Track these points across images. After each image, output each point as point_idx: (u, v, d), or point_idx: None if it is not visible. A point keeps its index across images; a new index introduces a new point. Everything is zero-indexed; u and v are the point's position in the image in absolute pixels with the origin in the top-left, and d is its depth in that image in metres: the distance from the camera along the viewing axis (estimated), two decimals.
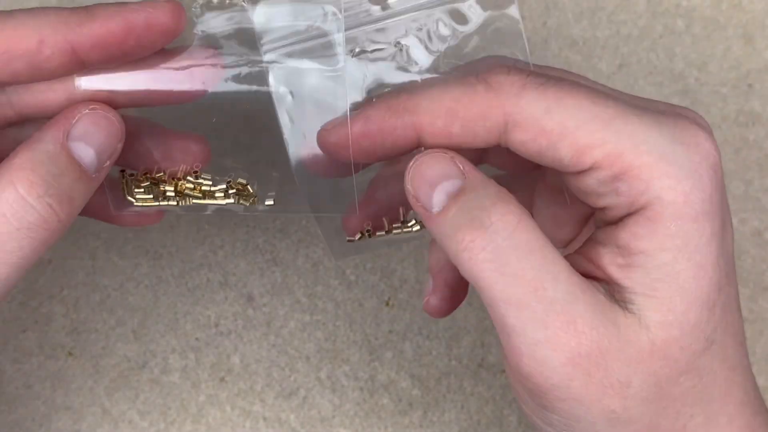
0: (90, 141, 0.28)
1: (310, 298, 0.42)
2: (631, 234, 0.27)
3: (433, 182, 0.27)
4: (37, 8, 0.28)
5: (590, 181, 0.27)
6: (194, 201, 0.32)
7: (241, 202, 0.32)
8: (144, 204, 0.32)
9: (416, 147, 0.29)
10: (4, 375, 0.41)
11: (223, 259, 0.42)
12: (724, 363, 0.28)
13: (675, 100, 0.42)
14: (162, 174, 0.31)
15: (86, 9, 0.27)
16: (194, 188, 0.32)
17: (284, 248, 0.42)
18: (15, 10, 0.28)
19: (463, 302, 0.42)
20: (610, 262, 0.27)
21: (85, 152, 0.28)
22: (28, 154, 0.27)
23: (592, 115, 0.27)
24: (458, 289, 0.35)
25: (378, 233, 0.33)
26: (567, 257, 0.28)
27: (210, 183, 0.32)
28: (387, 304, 0.42)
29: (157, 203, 0.32)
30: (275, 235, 0.42)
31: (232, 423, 0.42)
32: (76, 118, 0.28)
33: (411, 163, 0.28)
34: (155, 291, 0.42)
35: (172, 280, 0.42)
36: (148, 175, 0.32)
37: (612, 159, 0.26)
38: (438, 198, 0.27)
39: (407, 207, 0.32)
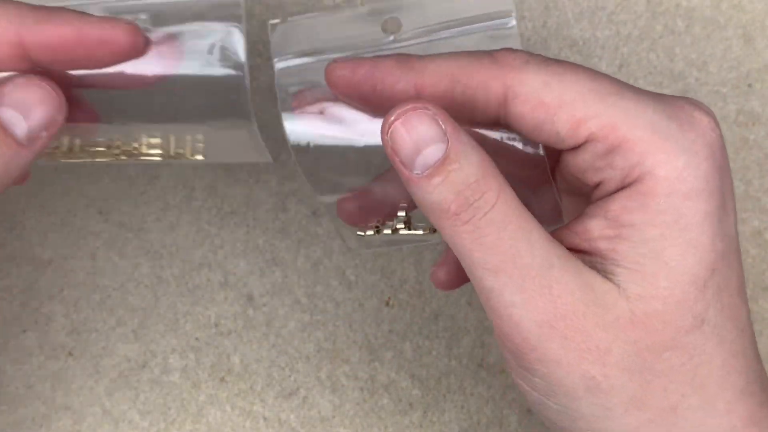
0: (22, 110, 0.28)
1: (310, 298, 0.42)
2: (621, 206, 0.27)
3: (417, 145, 0.27)
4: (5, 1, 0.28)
5: (586, 156, 0.28)
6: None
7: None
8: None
9: None
10: (4, 375, 0.41)
11: (223, 259, 0.42)
12: (720, 346, 0.28)
13: None
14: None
15: (46, 9, 0.28)
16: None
17: (284, 248, 0.42)
18: None
19: (463, 302, 0.42)
20: (599, 234, 0.28)
21: (16, 120, 0.28)
22: None
23: (589, 89, 0.27)
24: None
25: (385, 232, 0.33)
26: (554, 232, 0.29)
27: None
28: (387, 304, 0.42)
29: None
30: (275, 235, 0.42)
31: (232, 423, 0.42)
32: (10, 86, 0.28)
33: (392, 116, 0.28)
34: (155, 291, 0.42)
35: (172, 280, 0.42)
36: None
37: (607, 131, 0.27)
38: (421, 162, 0.27)
39: (410, 206, 0.33)
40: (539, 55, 0.29)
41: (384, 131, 0.28)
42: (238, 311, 0.42)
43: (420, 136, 0.27)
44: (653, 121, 0.27)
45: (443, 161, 0.27)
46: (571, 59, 0.42)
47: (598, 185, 0.28)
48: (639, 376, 0.27)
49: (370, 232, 0.33)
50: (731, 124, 0.42)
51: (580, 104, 0.27)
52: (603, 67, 0.42)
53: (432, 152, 0.27)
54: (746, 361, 0.29)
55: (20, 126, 0.28)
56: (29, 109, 0.28)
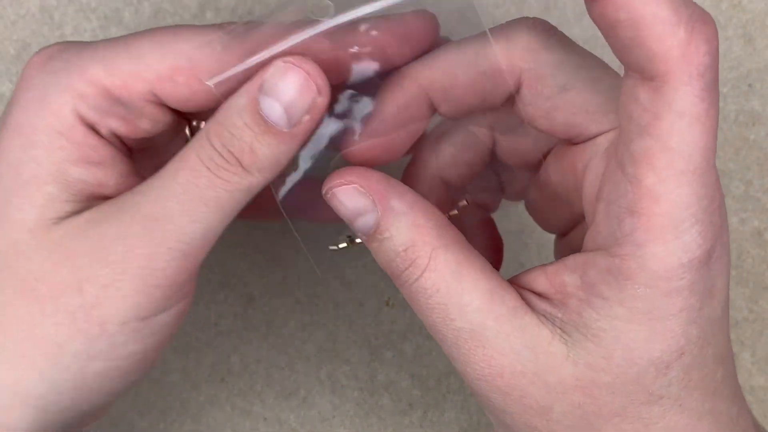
0: (277, 96, 0.27)
1: (310, 298, 0.42)
2: (600, 276, 0.26)
3: (351, 215, 0.28)
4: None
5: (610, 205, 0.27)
6: None
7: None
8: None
9: (432, 112, 0.29)
10: None
11: (223, 259, 0.42)
12: (681, 414, 0.27)
13: None
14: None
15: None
16: None
17: (284, 248, 0.42)
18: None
19: None
20: (572, 292, 0.27)
21: (271, 107, 0.27)
22: (225, 107, 0.27)
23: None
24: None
25: (358, 240, 0.33)
26: (530, 272, 0.28)
27: None
28: (387, 304, 0.42)
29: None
30: (275, 235, 0.42)
31: (232, 423, 0.42)
32: (269, 72, 0.27)
33: (323, 188, 0.28)
34: None
35: None
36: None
37: (639, 209, 0.26)
38: (359, 230, 0.28)
39: None
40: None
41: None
42: (238, 311, 0.42)
43: (349, 211, 0.28)
44: (681, 217, 0.25)
45: (375, 231, 0.28)
46: None
47: (597, 232, 0.27)
48: None
49: (343, 245, 0.33)
50: (731, 124, 0.42)
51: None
52: None
53: (365, 222, 0.28)
54: (714, 418, 0.28)
55: (276, 114, 0.27)
56: (284, 96, 0.27)
